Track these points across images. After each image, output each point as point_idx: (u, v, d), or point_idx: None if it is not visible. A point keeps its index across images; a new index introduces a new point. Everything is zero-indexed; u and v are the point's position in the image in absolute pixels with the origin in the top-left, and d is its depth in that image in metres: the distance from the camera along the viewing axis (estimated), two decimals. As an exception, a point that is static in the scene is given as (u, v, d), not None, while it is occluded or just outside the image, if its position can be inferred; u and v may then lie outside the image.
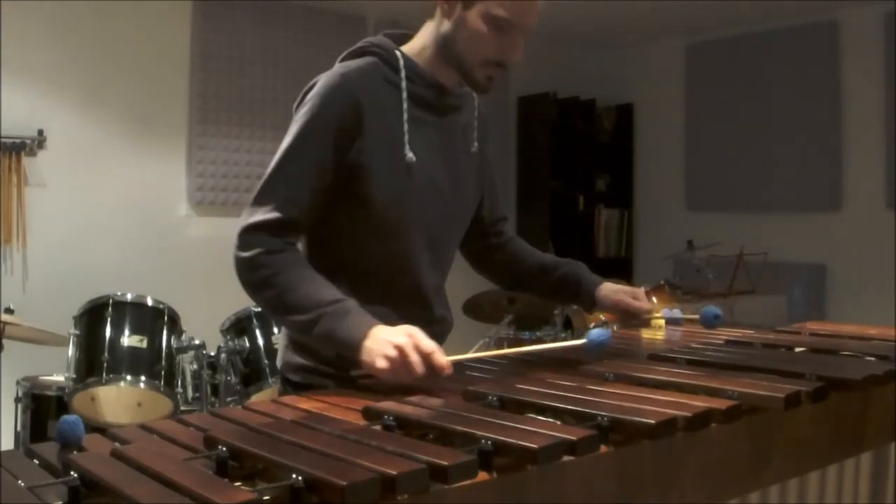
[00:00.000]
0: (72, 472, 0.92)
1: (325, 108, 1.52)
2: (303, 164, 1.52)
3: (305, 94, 1.60)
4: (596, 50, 6.29)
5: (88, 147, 4.48)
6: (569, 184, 6.22)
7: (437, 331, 1.64)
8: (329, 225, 1.58)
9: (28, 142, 4.25)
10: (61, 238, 4.36)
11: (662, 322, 2.11)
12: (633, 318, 1.85)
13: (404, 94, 1.58)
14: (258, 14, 5.03)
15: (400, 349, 1.34)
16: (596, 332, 1.52)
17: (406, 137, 1.56)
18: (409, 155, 1.56)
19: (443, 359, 1.36)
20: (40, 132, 4.30)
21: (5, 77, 4.14)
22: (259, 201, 1.51)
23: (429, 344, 1.36)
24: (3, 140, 4.15)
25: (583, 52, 6.26)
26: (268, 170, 1.53)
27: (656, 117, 6.33)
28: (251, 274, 1.47)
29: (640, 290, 1.84)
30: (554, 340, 3.98)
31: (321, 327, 1.42)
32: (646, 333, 2.05)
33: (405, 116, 1.57)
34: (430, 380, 1.36)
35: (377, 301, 1.54)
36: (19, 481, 0.94)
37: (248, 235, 1.48)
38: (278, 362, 1.70)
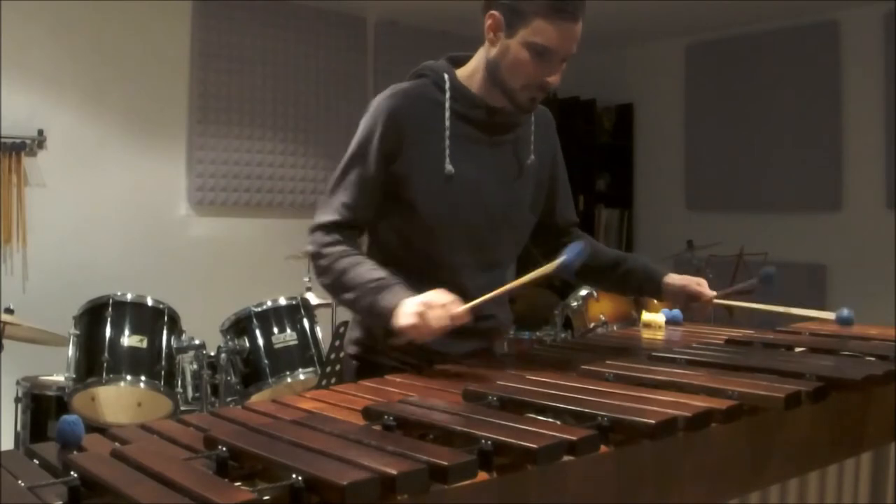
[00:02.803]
0: (72, 472, 0.92)
1: (373, 127, 1.72)
2: (355, 174, 1.73)
3: (367, 111, 1.78)
4: (596, 50, 6.28)
5: (88, 147, 4.48)
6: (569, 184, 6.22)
7: (485, 327, 1.78)
8: (386, 225, 1.77)
9: (28, 142, 4.25)
10: (61, 238, 4.36)
11: (662, 322, 2.11)
12: (696, 302, 1.95)
13: (447, 113, 1.72)
14: (258, 14, 5.03)
15: (424, 304, 1.54)
16: (572, 247, 1.57)
17: (447, 152, 1.71)
18: (449, 167, 1.71)
19: (459, 308, 1.54)
20: (40, 132, 4.30)
21: (5, 77, 4.14)
22: (324, 204, 1.76)
23: (446, 297, 1.55)
24: (3, 140, 4.15)
25: (583, 52, 6.23)
26: (333, 176, 1.77)
27: (656, 117, 6.33)
28: (316, 264, 1.73)
29: (703, 279, 1.95)
30: (554, 341, 3.98)
31: (365, 301, 1.63)
32: (646, 333, 2.06)
33: (447, 133, 1.71)
34: (452, 327, 1.54)
35: (423, 291, 1.68)
36: (19, 481, 0.94)
37: (312, 234, 1.75)
38: (345, 340, 1.92)
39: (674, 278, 1.94)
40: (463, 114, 1.74)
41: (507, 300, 1.88)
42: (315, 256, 1.73)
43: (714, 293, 1.91)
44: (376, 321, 1.64)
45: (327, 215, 1.73)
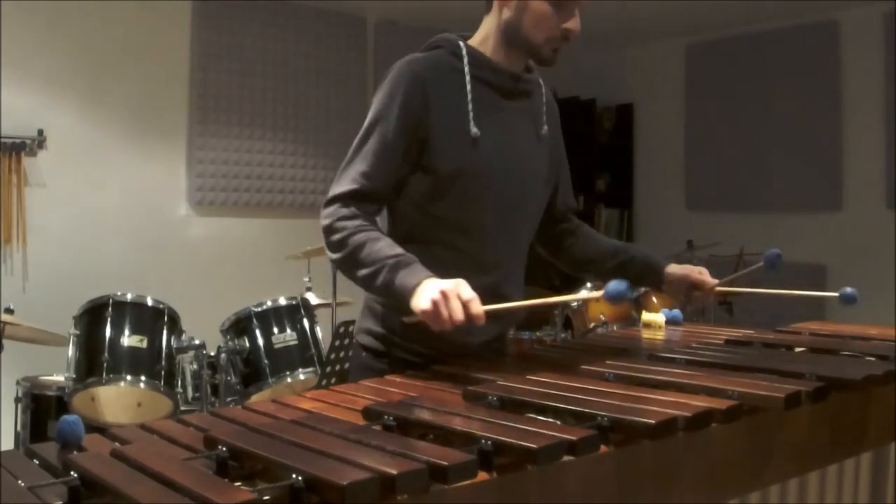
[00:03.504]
0: (72, 472, 0.92)
1: (394, 92, 1.67)
2: (375, 141, 1.67)
3: (382, 83, 1.73)
4: (596, 50, 6.28)
5: (88, 147, 4.48)
6: (569, 184, 6.22)
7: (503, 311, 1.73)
8: (406, 200, 1.72)
9: (28, 142, 4.25)
10: (61, 238, 4.36)
11: (662, 322, 2.11)
12: (698, 291, 1.91)
13: (467, 78, 1.71)
14: (258, 14, 5.03)
15: (444, 294, 1.48)
16: (614, 284, 1.50)
17: (471, 115, 1.69)
18: (474, 130, 1.68)
19: (479, 308, 1.48)
20: (40, 132, 4.30)
21: (5, 77, 4.14)
22: (339, 177, 1.69)
23: (469, 293, 1.49)
24: (3, 140, 4.15)
25: (583, 52, 6.26)
26: (350, 150, 1.70)
27: (656, 117, 6.32)
28: (329, 238, 1.65)
29: (704, 268, 1.93)
30: (553, 341, 3.98)
31: (382, 278, 1.57)
32: (646, 333, 2.06)
33: (469, 97, 1.70)
34: (467, 325, 1.48)
35: (443, 269, 1.62)
36: (19, 481, 0.94)
37: (327, 207, 1.67)
38: (355, 328, 1.87)
39: (675, 268, 1.92)
40: (482, 78, 1.73)
41: (521, 283, 1.86)
42: (328, 230, 1.65)
43: (716, 281, 1.89)
44: (393, 299, 1.59)
45: (344, 186, 1.67)
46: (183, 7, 4.79)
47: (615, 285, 1.51)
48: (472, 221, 1.71)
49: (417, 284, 1.52)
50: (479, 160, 1.69)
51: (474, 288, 1.59)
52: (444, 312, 1.47)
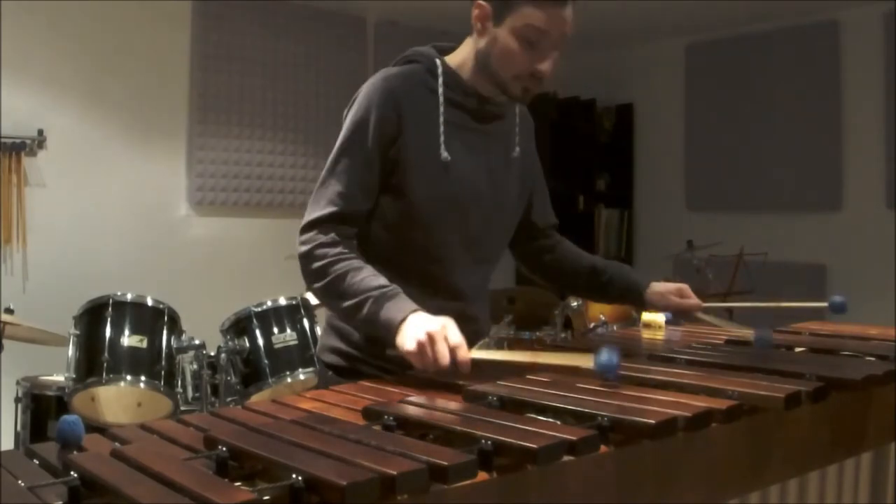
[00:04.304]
0: (72, 472, 0.92)
1: (368, 109, 1.63)
2: (351, 160, 1.63)
3: (355, 99, 1.70)
4: (596, 50, 6.28)
5: (88, 147, 4.49)
6: (569, 184, 6.22)
7: (469, 330, 1.65)
8: (372, 215, 1.67)
9: (28, 142, 4.25)
10: (61, 238, 4.36)
11: (662, 322, 2.11)
12: (682, 315, 1.91)
13: (441, 99, 1.67)
14: (258, 14, 5.03)
15: (430, 336, 1.42)
16: (606, 356, 1.35)
17: (441, 139, 1.65)
18: (445, 154, 1.65)
19: (466, 355, 1.42)
20: (40, 132, 4.30)
21: (5, 77, 4.14)
22: (315, 199, 1.65)
23: (457, 337, 1.43)
24: (3, 140, 4.15)
25: (583, 52, 6.26)
26: (323, 170, 1.66)
27: (656, 117, 6.32)
28: (308, 266, 1.61)
29: (686, 287, 1.90)
30: (553, 341, 3.97)
31: (367, 311, 1.52)
32: (646, 333, 2.06)
33: (441, 119, 1.66)
34: (452, 373, 1.42)
35: (412, 291, 1.58)
36: (19, 481, 0.94)
37: (305, 233, 1.63)
38: (318, 347, 1.82)
39: (656, 289, 1.88)
40: (455, 101, 1.69)
41: (487, 300, 1.84)
42: (307, 258, 1.60)
43: (698, 302, 1.88)
44: (377, 332, 1.53)
45: (320, 209, 1.62)
46: (183, 7, 4.79)
47: (607, 357, 1.34)
48: (440, 246, 1.68)
49: (403, 320, 1.47)
50: (449, 185, 1.65)
51: (441, 311, 1.51)
52: (430, 355, 1.41)
